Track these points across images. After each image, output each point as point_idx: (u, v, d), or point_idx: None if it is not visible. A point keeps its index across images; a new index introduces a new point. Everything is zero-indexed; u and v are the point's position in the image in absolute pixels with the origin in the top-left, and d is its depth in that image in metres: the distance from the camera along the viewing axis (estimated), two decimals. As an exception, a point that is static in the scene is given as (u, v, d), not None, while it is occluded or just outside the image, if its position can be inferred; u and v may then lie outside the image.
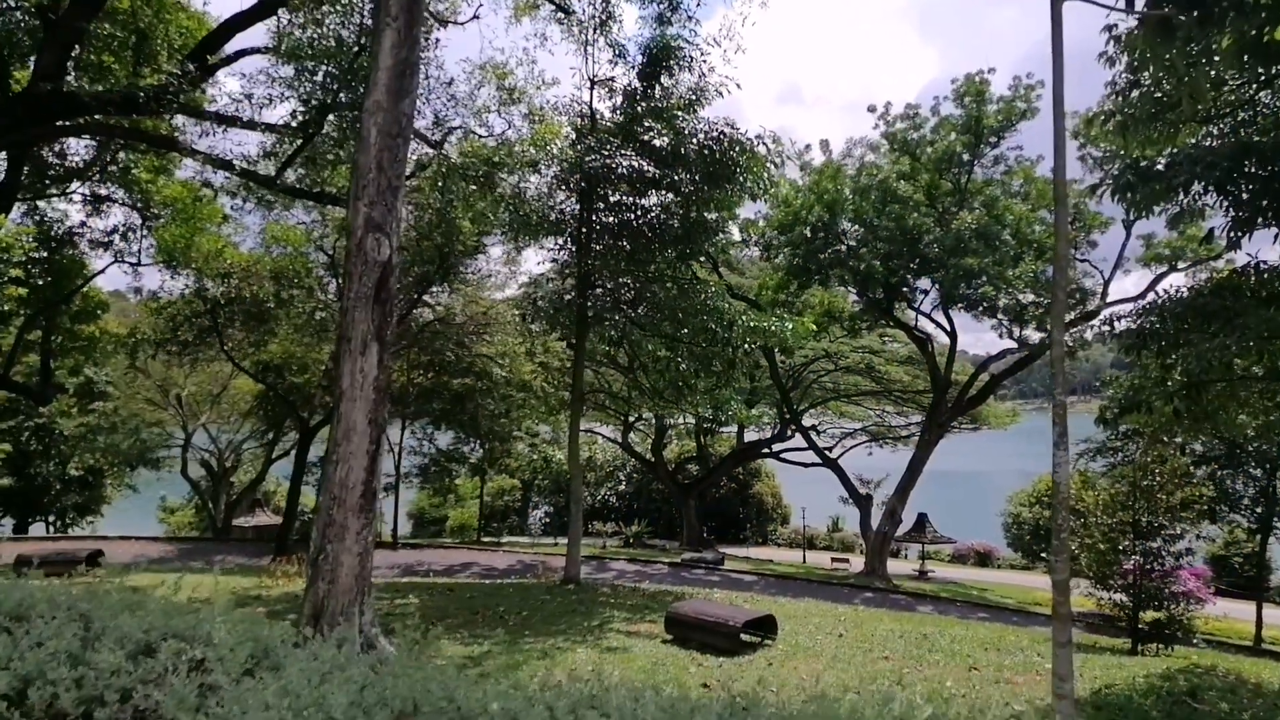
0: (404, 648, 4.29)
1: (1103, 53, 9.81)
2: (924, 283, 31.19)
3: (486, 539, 44.09)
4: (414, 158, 21.00)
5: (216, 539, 38.86)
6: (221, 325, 28.40)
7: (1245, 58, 9.45)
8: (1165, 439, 18.59)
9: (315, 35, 17.64)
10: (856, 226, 29.93)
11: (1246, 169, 10.53)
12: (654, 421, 43.19)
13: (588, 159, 19.77)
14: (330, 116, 18.36)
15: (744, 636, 13.46)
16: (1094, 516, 18.49)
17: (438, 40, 20.48)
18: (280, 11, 17.68)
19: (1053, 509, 7.39)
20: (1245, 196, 10.74)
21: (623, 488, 51.86)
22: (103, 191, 24.52)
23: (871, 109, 31.32)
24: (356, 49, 17.30)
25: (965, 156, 30.09)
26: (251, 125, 17.65)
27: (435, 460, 38.35)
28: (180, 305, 28.44)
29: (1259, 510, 26.74)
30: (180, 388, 39.84)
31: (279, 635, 3.94)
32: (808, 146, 33.03)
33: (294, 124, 18.28)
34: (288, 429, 36.99)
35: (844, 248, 29.76)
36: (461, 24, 22.14)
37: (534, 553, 35.19)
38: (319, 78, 17.94)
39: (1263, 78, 11.74)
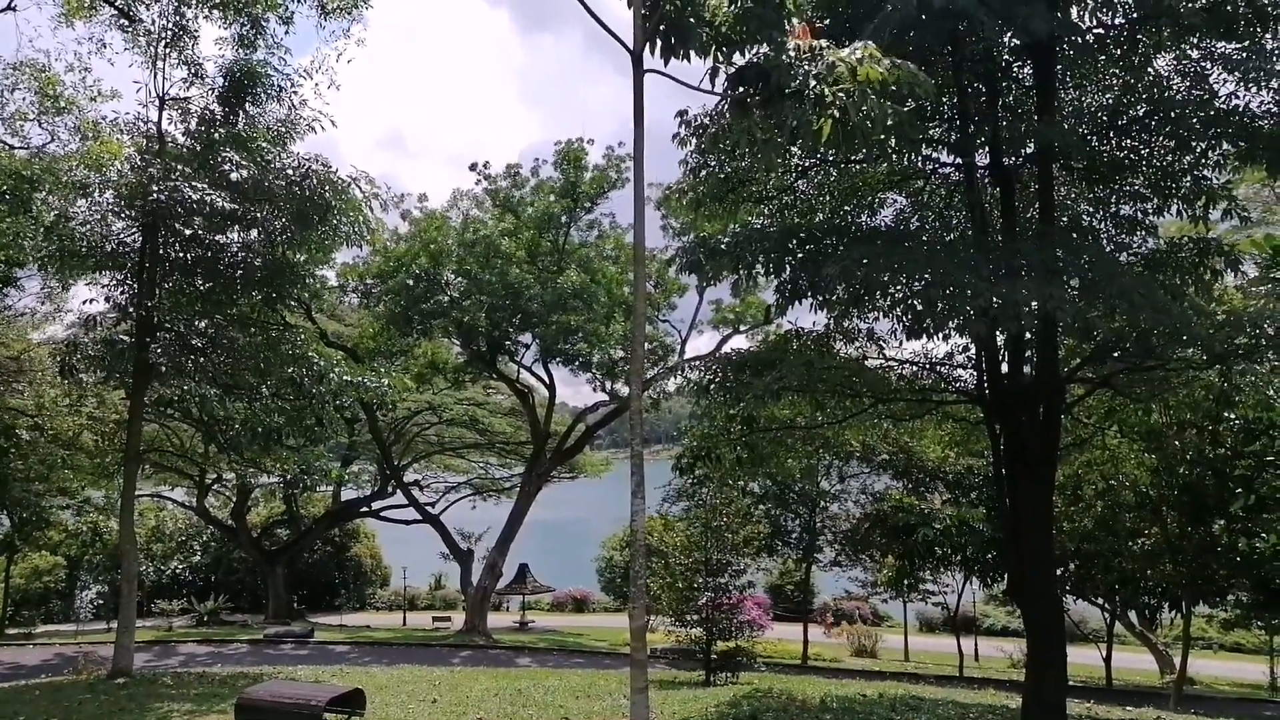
0: None
1: (676, 134, 10.67)
2: (525, 337, 32.03)
3: (13, 630, 36.26)
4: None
5: None
6: None
7: (795, 145, 10.84)
8: (730, 483, 20.72)
9: None
10: (460, 278, 29.92)
11: (792, 249, 12.01)
12: (235, 482, 38.96)
13: (154, 186, 17.36)
14: None
15: (328, 717, 12.24)
16: (674, 557, 19.92)
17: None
18: None
19: (630, 556, 7.54)
20: (789, 273, 12.22)
21: (197, 559, 45.91)
22: None
23: (473, 166, 31.76)
24: None
25: (563, 218, 31.61)
26: None
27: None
28: None
29: (804, 543, 31.00)
30: None
31: None
32: (404, 195, 32.51)
33: None
34: None
35: (447, 298, 29.57)
36: (-10, 13, 18.54)
37: (79, 643, 29.61)
38: None
39: (799, 168, 13.68)
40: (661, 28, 8.20)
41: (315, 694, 12.53)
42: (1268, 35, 10.36)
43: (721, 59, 8.33)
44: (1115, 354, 11.59)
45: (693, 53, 8.64)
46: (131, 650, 18.57)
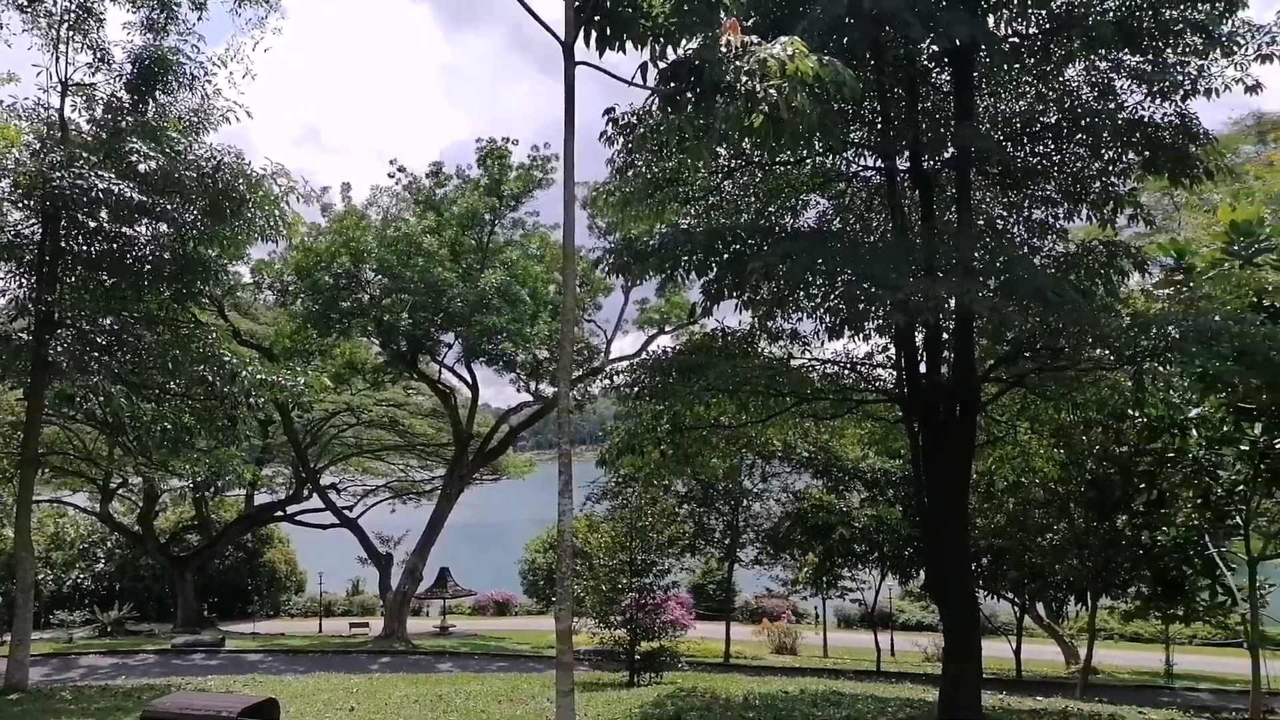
0: None
1: (603, 133, 10.59)
2: (448, 336, 31.49)
3: (-109, 648, 34.05)
4: None
5: None
6: None
7: (724, 144, 10.88)
8: (655, 482, 20.73)
9: None
10: (381, 277, 29.29)
11: (718, 249, 12.08)
12: (142, 486, 37.33)
13: (55, 174, 16.50)
14: None
15: (239, 729, 11.77)
16: (598, 558, 19.81)
17: None
18: None
19: (557, 557, 7.44)
20: (715, 272, 12.32)
21: (100, 566, 43.85)
22: None
23: (392, 163, 31.34)
24: None
25: (487, 217, 31.23)
26: None
27: None
28: None
29: (727, 542, 31.23)
30: None
31: None
32: (325, 189, 31.67)
33: None
34: None
35: (367, 297, 28.92)
36: None
37: (-34, 659, 27.94)
38: None
39: (725, 169, 13.75)
40: (596, 18, 8.10)
41: (226, 704, 12.03)
42: (1169, 50, 10.84)
43: (658, 51, 8.27)
44: (1027, 354, 11.97)
45: (628, 45, 8.51)
46: (27, 664, 17.65)
